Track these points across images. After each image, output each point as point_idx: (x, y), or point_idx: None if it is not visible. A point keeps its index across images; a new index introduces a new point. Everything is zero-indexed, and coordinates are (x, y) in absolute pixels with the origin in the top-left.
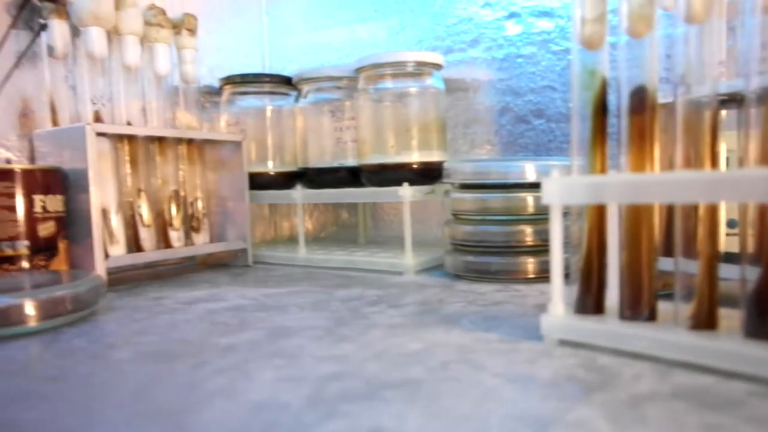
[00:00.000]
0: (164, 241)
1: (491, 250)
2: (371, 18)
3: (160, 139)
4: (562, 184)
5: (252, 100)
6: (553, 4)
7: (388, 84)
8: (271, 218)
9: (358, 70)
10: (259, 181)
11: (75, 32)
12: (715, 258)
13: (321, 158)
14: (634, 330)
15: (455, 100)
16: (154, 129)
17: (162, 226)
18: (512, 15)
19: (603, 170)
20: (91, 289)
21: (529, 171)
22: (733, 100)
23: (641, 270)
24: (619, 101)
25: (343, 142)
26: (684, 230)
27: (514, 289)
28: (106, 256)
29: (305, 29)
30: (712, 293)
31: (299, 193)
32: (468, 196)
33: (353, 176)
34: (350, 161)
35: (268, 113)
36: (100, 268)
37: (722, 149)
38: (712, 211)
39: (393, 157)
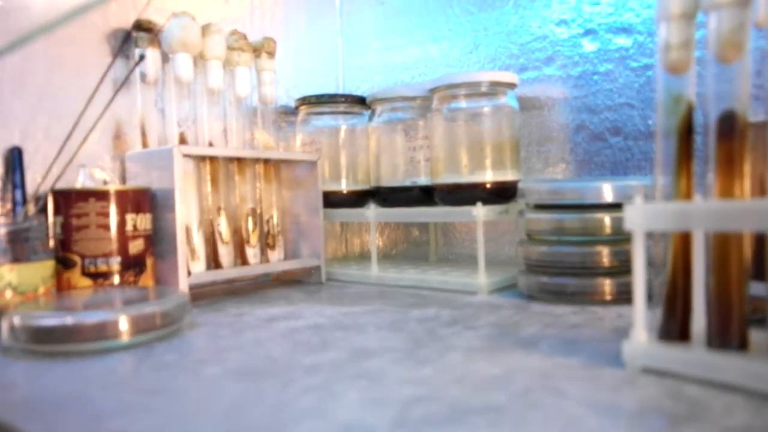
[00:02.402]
0: (241, 258)
1: (567, 271)
2: (444, 37)
3: (239, 159)
4: (646, 211)
5: (327, 120)
6: (631, 20)
7: (462, 103)
8: (342, 235)
9: (432, 90)
10: (332, 199)
11: (164, 58)
12: None
13: (393, 177)
14: (723, 359)
15: (529, 117)
16: (234, 150)
17: (240, 243)
18: (588, 32)
19: (689, 193)
20: (178, 306)
21: (606, 191)
22: None
23: (731, 295)
24: (706, 120)
25: (416, 161)
26: None
27: (591, 312)
28: (189, 272)
29: (379, 49)
30: None
31: (372, 212)
32: (543, 216)
33: (426, 195)
34: (423, 180)
35: (342, 133)
36: (183, 285)
37: None
38: None
39: (466, 176)
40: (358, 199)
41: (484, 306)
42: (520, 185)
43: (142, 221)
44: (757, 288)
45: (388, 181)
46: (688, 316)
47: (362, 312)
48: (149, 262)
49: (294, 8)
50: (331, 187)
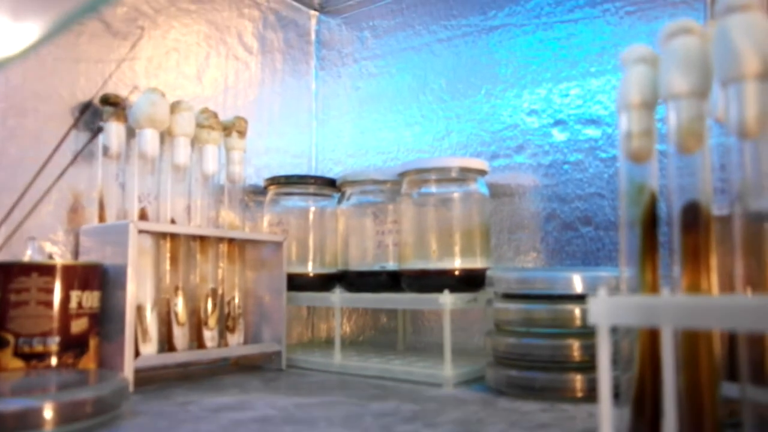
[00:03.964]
0: (198, 340)
1: (536, 364)
2: (417, 123)
3: (202, 238)
4: (611, 305)
5: (296, 201)
6: (600, 112)
7: (432, 189)
8: (309, 319)
9: (402, 174)
10: (298, 282)
11: (130, 133)
12: None
13: (362, 261)
14: None
15: (500, 205)
16: (195, 228)
17: (197, 325)
18: (558, 122)
19: (654, 286)
20: (114, 392)
21: (576, 282)
22: None
23: (702, 396)
24: (670, 211)
25: (384, 245)
26: (750, 354)
27: (561, 410)
28: (137, 354)
29: (353, 133)
30: None
31: (337, 296)
32: (512, 306)
33: (394, 280)
34: (391, 265)
35: (311, 214)
36: (129, 368)
37: None
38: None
39: (434, 262)
40: (324, 282)
41: (449, 400)
42: (488, 273)
43: (89, 299)
44: (733, 389)
45: (356, 265)
46: (657, 417)
47: (317, 404)
48: (93, 342)
49: (269, 90)
50: (298, 270)
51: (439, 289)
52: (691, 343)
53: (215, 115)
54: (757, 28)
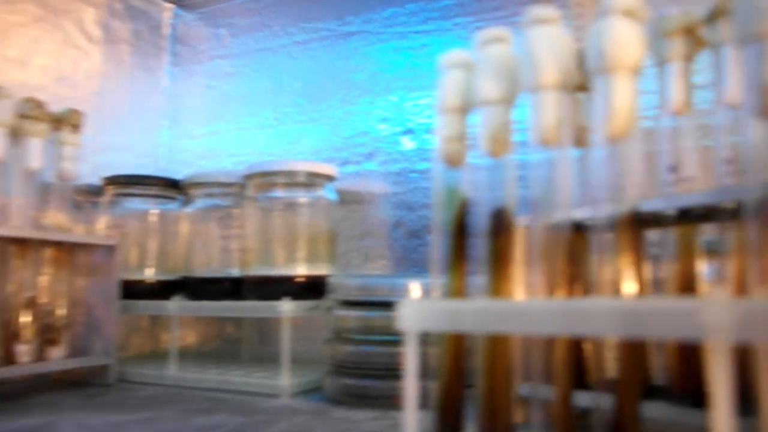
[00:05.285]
0: (8, 355)
1: (372, 372)
2: (271, 126)
3: (21, 240)
4: (418, 310)
5: (136, 202)
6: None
7: (277, 193)
8: (151, 329)
9: (247, 177)
10: (136, 289)
11: None
12: (570, 387)
13: (206, 267)
14: None
15: (350, 212)
16: (12, 229)
17: (8, 338)
18: (408, 131)
19: (462, 293)
20: None
21: (414, 289)
22: None
23: (498, 400)
24: (479, 217)
25: (229, 251)
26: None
27: (392, 417)
28: None
29: (205, 133)
30: (569, 425)
31: (175, 305)
32: (350, 313)
33: (238, 288)
34: (237, 271)
35: (152, 217)
36: None
37: None
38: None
39: (277, 268)
40: (165, 289)
41: (282, 411)
42: (329, 280)
43: None
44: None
45: (200, 271)
46: (460, 423)
47: (135, 421)
48: None
49: (113, 83)
50: (137, 276)
51: (281, 297)
52: (493, 347)
53: (41, 105)
54: (557, 41)
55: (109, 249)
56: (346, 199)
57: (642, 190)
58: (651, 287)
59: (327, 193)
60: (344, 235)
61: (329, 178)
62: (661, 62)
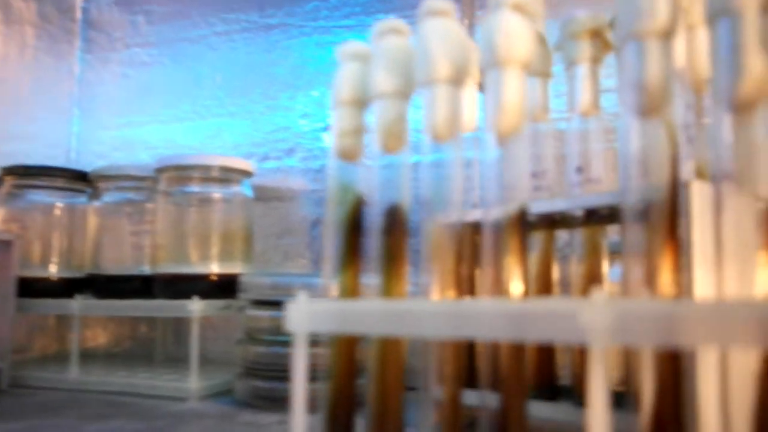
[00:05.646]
0: None
1: (282, 374)
2: (189, 118)
3: None
4: (307, 311)
5: (40, 195)
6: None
7: (191, 188)
8: (58, 329)
9: (159, 170)
10: (38, 287)
11: None
12: (459, 387)
13: (115, 264)
14: None
15: (269, 209)
16: None
17: None
18: (329, 127)
19: (355, 293)
20: None
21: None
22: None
23: (389, 402)
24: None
25: (140, 247)
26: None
27: None
28: None
29: (120, 124)
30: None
31: (77, 303)
32: (262, 313)
33: (149, 286)
34: (148, 269)
35: (57, 211)
36: None
37: None
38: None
39: (189, 266)
40: (70, 287)
41: (187, 415)
42: (242, 279)
43: None
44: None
45: (109, 268)
46: (351, 426)
47: (20, 431)
48: None
49: (15, 66)
50: (39, 273)
51: (193, 295)
52: (383, 347)
53: None
54: (450, 34)
55: (5, 244)
56: (266, 195)
57: (553, 190)
58: (559, 288)
59: (244, 189)
60: (263, 233)
61: (246, 174)
62: (569, 64)
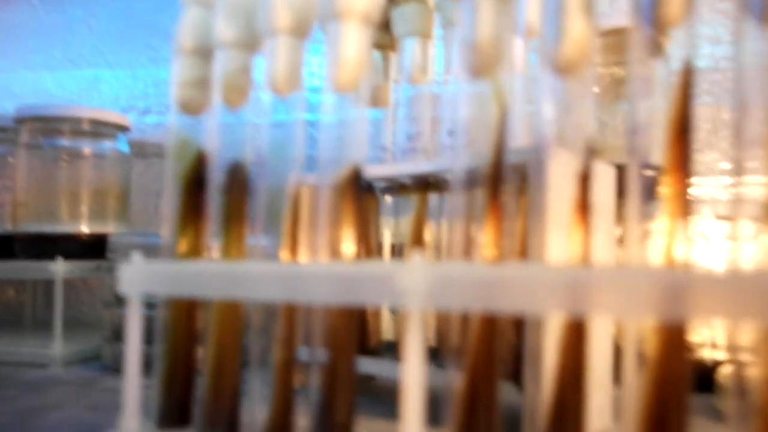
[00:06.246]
0: None
1: (150, 338)
2: (62, 67)
3: None
4: (141, 272)
5: None
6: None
7: (59, 141)
8: None
9: (19, 121)
10: None
11: None
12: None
13: None
14: None
15: (148, 166)
16: None
17: None
18: None
19: (197, 253)
20: None
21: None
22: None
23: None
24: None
25: (3, 204)
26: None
27: None
28: None
29: None
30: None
31: None
32: None
33: (10, 245)
34: (8, 228)
35: None
36: None
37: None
38: (291, 308)
39: (55, 225)
40: None
41: (43, 383)
42: (111, 239)
43: None
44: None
45: None
46: (189, 397)
47: None
48: None
49: None
50: None
51: (57, 256)
52: (221, 310)
53: None
54: None
55: None
56: (145, 152)
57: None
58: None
59: (119, 144)
60: (142, 192)
61: (121, 128)
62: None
